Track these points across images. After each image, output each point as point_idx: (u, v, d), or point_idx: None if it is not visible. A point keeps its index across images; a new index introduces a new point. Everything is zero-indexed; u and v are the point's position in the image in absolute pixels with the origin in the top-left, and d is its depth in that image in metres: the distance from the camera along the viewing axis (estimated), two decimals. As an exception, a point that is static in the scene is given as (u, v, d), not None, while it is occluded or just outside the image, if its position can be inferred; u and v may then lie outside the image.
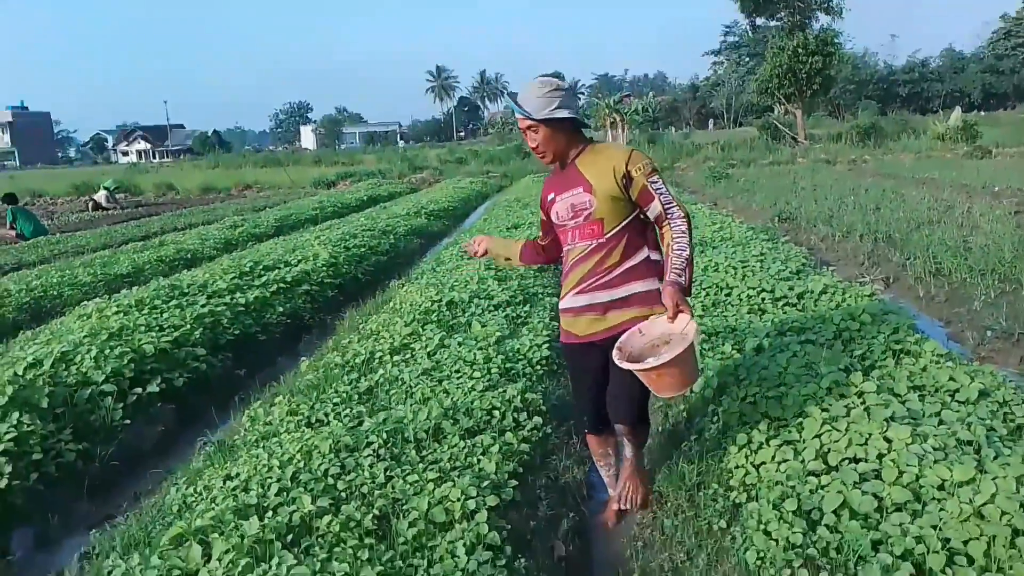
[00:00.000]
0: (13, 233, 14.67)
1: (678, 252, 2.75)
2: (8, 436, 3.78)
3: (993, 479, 2.52)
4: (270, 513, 2.89)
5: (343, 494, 3.05)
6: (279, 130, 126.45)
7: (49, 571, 3.19)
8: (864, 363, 4.01)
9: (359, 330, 5.99)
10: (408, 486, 3.07)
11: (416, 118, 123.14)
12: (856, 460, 2.87)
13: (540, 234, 3.22)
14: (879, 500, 2.62)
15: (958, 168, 18.72)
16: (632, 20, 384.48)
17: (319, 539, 2.75)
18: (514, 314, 5.95)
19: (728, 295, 5.88)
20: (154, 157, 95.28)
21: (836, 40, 33.95)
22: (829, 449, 2.98)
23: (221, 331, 5.94)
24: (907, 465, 2.73)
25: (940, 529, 2.41)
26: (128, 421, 4.45)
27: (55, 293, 7.97)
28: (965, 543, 2.34)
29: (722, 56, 79.70)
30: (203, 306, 6.12)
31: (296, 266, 8.12)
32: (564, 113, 2.77)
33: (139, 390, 4.71)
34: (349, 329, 6.30)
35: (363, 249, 9.75)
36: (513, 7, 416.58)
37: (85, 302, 6.87)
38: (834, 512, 2.61)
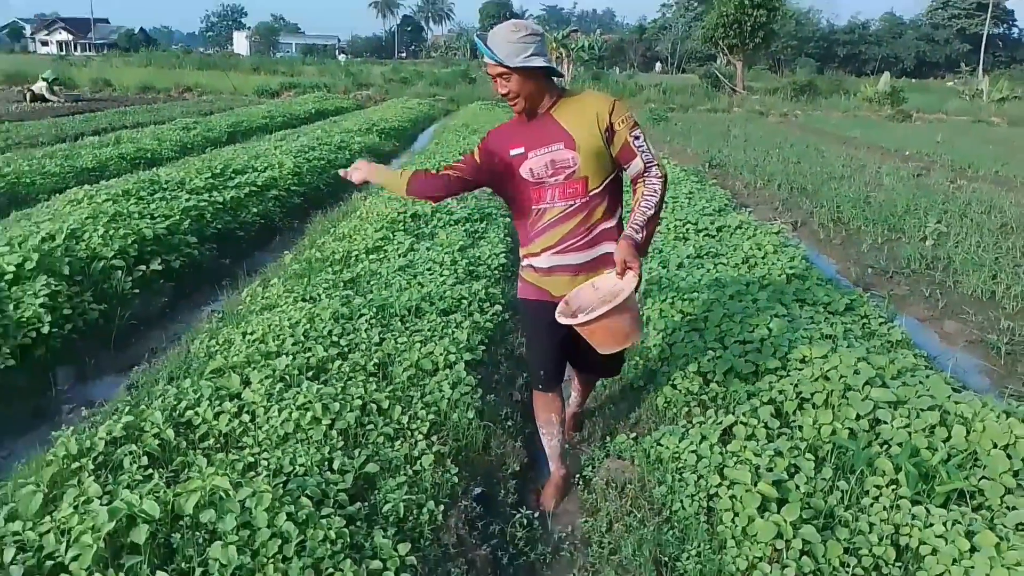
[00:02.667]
0: (-46, 118, 14.45)
1: (643, 209, 2.63)
2: (43, 293, 4.40)
3: (839, 356, 3.48)
4: (290, 357, 3.65)
5: (346, 348, 3.84)
6: (210, 33, 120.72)
7: (97, 398, 3.88)
8: (763, 281, 4.98)
9: (331, 233, 6.67)
10: (398, 346, 3.88)
11: (356, 34, 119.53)
12: (745, 342, 3.81)
13: (454, 165, 2.84)
14: (756, 367, 3.57)
15: (878, 129, 20.11)
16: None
17: (333, 376, 3.54)
18: (472, 229, 6.71)
19: (659, 225, 6.77)
20: (75, 50, 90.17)
21: (781, -5, 34.85)
22: (725, 334, 3.91)
23: (205, 224, 6.53)
24: (780, 346, 3.68)
25: (796, 386, 3.36)
26: (137, 291, 5.09)
27: (28, 181, 8.30)
28: (812, 394, 3.29)
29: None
30: (187, 200, 6.67)
31: (264, 172, 8.64)
32: (539, 61, 2.57)
33: (143, 267, 5.33)
34: (320, 232, 6.96)
35: (323, 162, 10.28)
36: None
37: (67, 190, 7.30)
38: (723, 374, 3.55)
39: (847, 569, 2.34)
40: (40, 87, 21.92)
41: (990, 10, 68.96)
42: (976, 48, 69.77)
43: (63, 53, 74.74)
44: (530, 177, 2.73)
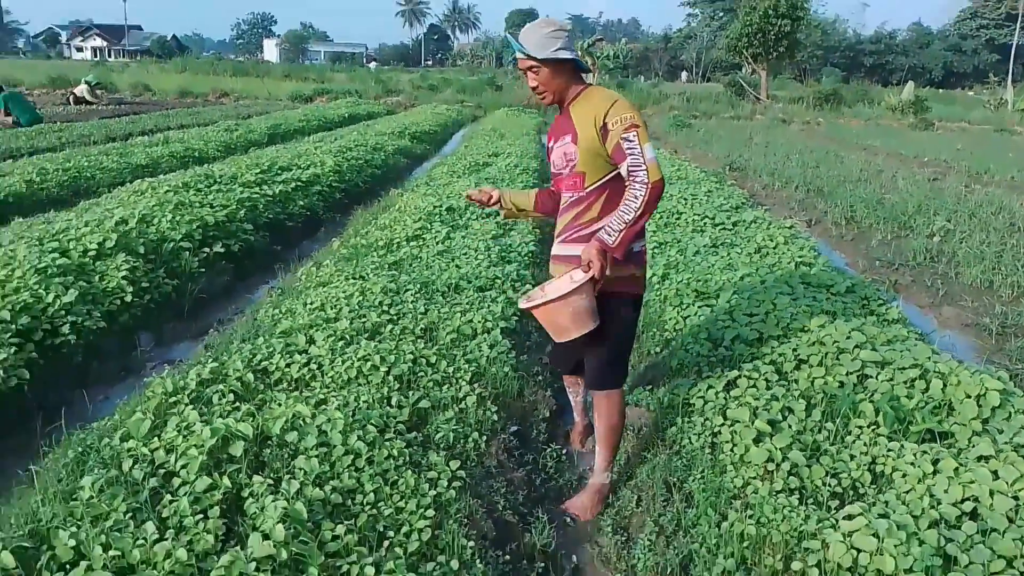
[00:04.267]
0: (10, 120, 15.20)
1: (620, 213, 2.61)
2: (124, 267, 4.95)
3: (835, 326, 3.91)
4: (348, 321, 4.15)
5: (395, 316, 4.33)
6: (240, 41, 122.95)
7: (175, 360, 4.40)
8: (772, 267, 5.41)
9: (373, 223, 7.18)
10: (441, 315, 4.37)
11: (383, 42, 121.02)
12: (752, 315, 4.25)
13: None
14: (760, 334, 4.01)
15: (899, 137, 20.36)
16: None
17: (386, 337, 4.04)
18: (503, 221, 7.20)
19: (678, 218, 7.23)
20: (110, 56, 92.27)
21: (806, 5, 35.10)
22: (734, 308, 4.36)
23: (258, 214, 7.09)
24: (783, 318, 4.12)
25: (795, 350, 3.79)
26: (203, 270, 5.64)
27: (88, 175, 8.94)
28: (808, 356, 3.72)
29: (697, 8, 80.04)
30: (241, 192, 7.24)
31: (307, 169, 9.20)
32: (566, 54, 2.70)
33: (207, 250, 5.88)
34: (363, 223, 7.47)
35: (360, 162, 10.84)
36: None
37: (124, 184, 7.90)
38: (731, 340, 4.00)
39: (828, 487, 2.78)
40: (82, 90, 22.84)
41: (1020, 20, 68.54)
42: (1005, 58, 69.21)
43: (97, 59, 76.64)
44: (553, 168, 2.92)
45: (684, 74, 76.95)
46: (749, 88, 35.90)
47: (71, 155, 9.96)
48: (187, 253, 5.65)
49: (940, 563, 2.30)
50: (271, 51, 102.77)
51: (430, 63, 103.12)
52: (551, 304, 2.64)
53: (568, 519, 3.00)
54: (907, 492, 2.71)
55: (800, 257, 5.74)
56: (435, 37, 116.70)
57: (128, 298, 4.74)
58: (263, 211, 7.19)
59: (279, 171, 8.84)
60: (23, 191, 7.96)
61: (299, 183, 8.47)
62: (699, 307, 4.50)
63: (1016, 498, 2.61)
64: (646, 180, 2.58)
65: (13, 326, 3.89)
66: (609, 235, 2.62)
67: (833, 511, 2.61)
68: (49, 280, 4.44)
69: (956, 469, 2.75)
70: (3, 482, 3.06)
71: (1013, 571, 2.31)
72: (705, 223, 6.97)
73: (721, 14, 72.20)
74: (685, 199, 7.86)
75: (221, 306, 5.43)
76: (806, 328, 4.00)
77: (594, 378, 3.00)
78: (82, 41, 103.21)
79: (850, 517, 2.46)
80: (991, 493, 2.63)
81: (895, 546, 2.32)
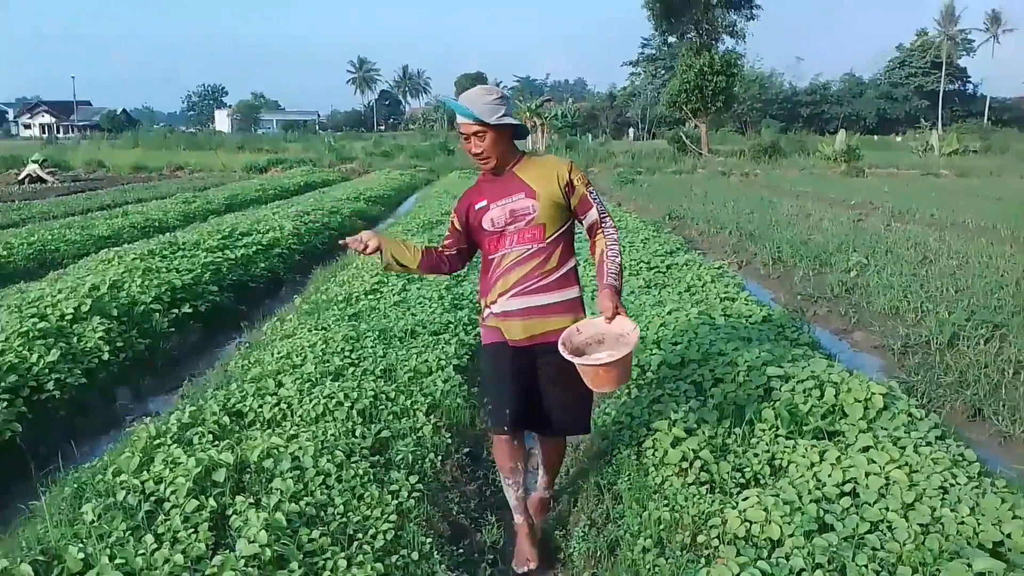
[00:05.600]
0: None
1: (612, 258, 2.88)
2: (101, 328, 5.31)
3: (747, 349, 4.44)
4: (313, 366, 4.56)
5: (357, 360, 4.75)
6: (191, 112, 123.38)
7: (152, 412, 4.74)
8: (698, 302, 5.97)
9: (332, 280, 7.62)
10: (399, 356, 4.80)
11: (335, 108, 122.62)
12: (676, 343, 4.78)
13: (444, 243, 3.15)
14: (682, 359, 4.53)
15: (831, 184, 21.56)
16: (555, 26, 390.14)
17: (348, 378, 4.45)
18: (456, 274, 7.68)
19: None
20: (59, 132, 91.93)
21: (739, 62, 37.05)
22: (661, 339, 4.88)
23: (223, 276, 7.49)
24: (703, 344, 4.65)
25: (713, 371, 4.31)
26: (172, 330, 6.00)
27: (53, 247, 9.26)
28: (724, 375, 4.24)
29: (639, 67, 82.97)
30: (205, 256, 7.64)
31: (267, 233, 9.64)
32: (512, 120, 2.83)
33: (176, 311, 6.25)
34: (322, 281, 7.91)
35: (318, 224, 11.31)
36: (437, 3, 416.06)
37: (88, 255, 8.23)
38: (657, 365, 4.51)
39: (734, 480, 3.25)
40: (32, 169, 23.04)
41: (944, 68, 72.72)
42: (934, 104, 73.25)
43: (47, 135, 76.35)
44: (491, 227, 2.94)
45: (631, 131, 79.35)
46: (690, 143, 37.46)
47: (34, 230, 10.26)
48: (157, 314, 6.01)
49: (818, 528, 2.78)
50: (223, 121, 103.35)
51: (383, 128, 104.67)
52: (625, 356, 2.70)
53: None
54: (798, 478, 3.20)
55: (725, 293, 6.32)
56: (387, 103, 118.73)
57: (105, 357, 5.09)
58: (227, 273, 7.59)
59: (240, 236, 9.25)
60: (-9, 265, 8.25)
61: (260, 246, 8.89)
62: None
63: (887, 478, 3.12)
64: (613, 225, 2.98)
65: (2, 383, 4.23)
66: (616, 280, 2.87)
67: (735, 496, 3.08)
68: (32, 342, 4.79)
69: (839, 458, 3.26)
70: (5, 519, 3.38)
71: (879, 532, 2.80)
72: (640, 267, 7.55)
73: (663, 72, 74.94)
74: (623, 246, 8.47)
75: (192, 362, 5.79)
76: (723, 352, 4.53)
77: (577, 423, 3.15)
78: (30, 118, 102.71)
79: (747, 499, 2.94)
80: (867, 475, 3.14)
81: (781, 517, 2.80)
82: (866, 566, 2.54)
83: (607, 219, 2.96)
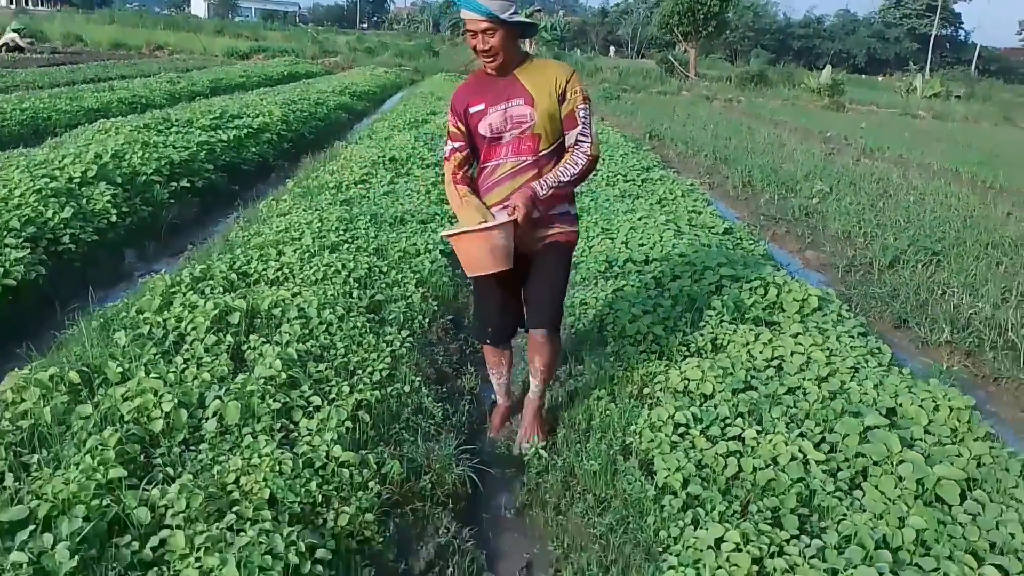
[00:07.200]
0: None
1: (558, 172, 2.83)
2: (108, 192, 5.64)
3: (705, 252, 4.94)
4: (310, 239, 4.97)
5: (351, 238, 5.17)
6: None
7: (158, 270, 5.14)
8: (671, 215, 6.44)
9: (322, 169, 7.93)
10: (390, 239, 5.23)
11: (318, 1, 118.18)
12: (642, 244, 5.26)
13: (458, 154, 3.01)
14: (646, 257, 5.02)
15: (811, 116, 21.89)
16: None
17: (344, 253, 4.88)
18: (442, 171, 8.05)
19: (595, 174, 8.21)
20: (27, 3, 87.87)
21: (735, -14, 36.46)
22: (629, 240, 5.36)
23: (216, 156, 7.77)
24: (666, 247, 5.14)
25: (673, 268, 4.81)
26: (172, 201, 6.34)
27: (45, 116, 9.38)
28: (681, 273, 4.74)
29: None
30: (199, 135, 7.89)
31: (256, 118, 9.84)
32: (523, 18, 2.76)
33: (174, 184, 6.57)
34: (312, 170, 8.21)
35: (305, 114, 11.48)
36: None
37: (78, 126, 8.42)
38: (623, 261, 5.01)
39: (680, 352, 3.79)
40: (12, 37, 22.47)
41: (939, 11, 72.03)
42: (925, 48, 72.84)
43: (15, 6, 72.95)
44: (487, 132, 2.87)
45: (612, 49, 77.92)
46: (679, 66, 37.23)
47: (24, 97, 10.32)
48: (158, 186, 6.33)
49: (744, 388, 3.33)
50: (199, 6, 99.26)
51: (365, 26, 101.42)
52: (471, 234, 2.73)
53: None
54: (735, 353, 3.75)
55: (693, 207, 6.79)
56: (371, 0, 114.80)
57: (113, 219, 5.45)
58: (220, 154, 7.86)
59: (231, 118, 9.46)
60: (-16, 128, 8.41)
61: (251, 130, 9.12)
62: (602, 239, 5.49)
63: (809, 357, 3.68)
64: (588, 152, 2.85)
65: (24, 232, 4.60)
66: (542, 188, 2.81)
67: (680, 363, 3.62)
68: (46, 199, 5.12)
69: (771, 339, 3.81)
70: (39, 346, 3.82)
71: (795, 395, 3.35)
72: (617, 179, 7.97)
73: (657, -9, 73.35)
74: (603, 159, 8.85)
75: (192, 232, 6.16)
76: (683, 254, 5.03)
77: (543, 316, 3.06)
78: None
79: (688, 363, 3.48)
80: (792, 353, 3.69)
81: (715, 377, 3.35)
82: (779, 418, 3.11)
83: (584, 143, 2.86)
